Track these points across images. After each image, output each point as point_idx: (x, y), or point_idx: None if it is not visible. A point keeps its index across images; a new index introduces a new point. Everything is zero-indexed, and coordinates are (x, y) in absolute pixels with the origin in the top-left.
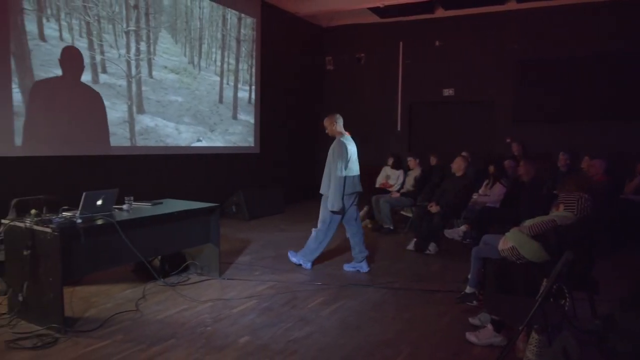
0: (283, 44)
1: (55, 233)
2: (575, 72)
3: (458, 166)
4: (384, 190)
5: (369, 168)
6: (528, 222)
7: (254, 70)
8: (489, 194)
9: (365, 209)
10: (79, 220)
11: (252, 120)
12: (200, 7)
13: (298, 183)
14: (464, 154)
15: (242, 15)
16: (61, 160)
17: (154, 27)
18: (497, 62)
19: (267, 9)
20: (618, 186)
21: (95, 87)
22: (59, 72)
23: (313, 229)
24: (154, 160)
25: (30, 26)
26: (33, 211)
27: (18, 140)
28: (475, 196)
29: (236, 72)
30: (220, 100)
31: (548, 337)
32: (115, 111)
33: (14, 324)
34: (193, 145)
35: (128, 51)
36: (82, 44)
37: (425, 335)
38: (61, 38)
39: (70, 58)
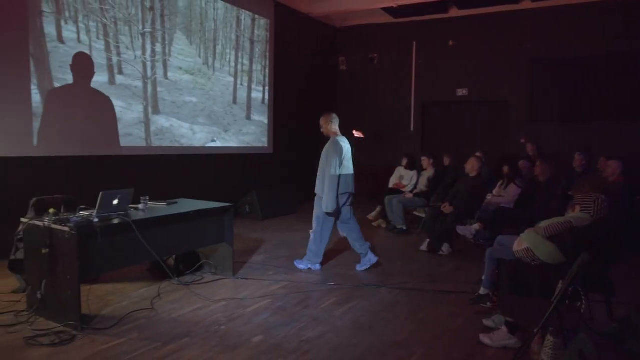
0: (296, 44)
1: (73, 232)
2: (590, 71)
3: (472, 166)
4: (397, 191)
5: (382, 168)
6: (543, 223)
7: (267, 70)
8: (503, 195)
9: (378, 209)
10: (96, 220)
11: (266, 121)
12: (214, 9)
13: (311, 183)
14: (477, 154)
15: (256, 16)
16: (79, 161)
17: (169, 28)
18: (512, 62)
19: (281, 10)
20: (635, 187)
21: (112, 88)
22: None
23: (311, 232)
24: (169, 161)
25: (49, 28)
26: (51, 210)
27: (37, 141)
28: (489, 197)
29: (250, 72)
30: (234, 101)
31: (564, 339)
32: (132, 112)
33: (32, 321)
34: (207, 145)
35: (144, 53)
36: (99, 46)
37: (438, 336)
38: (79, 40)
39: (81, 64)
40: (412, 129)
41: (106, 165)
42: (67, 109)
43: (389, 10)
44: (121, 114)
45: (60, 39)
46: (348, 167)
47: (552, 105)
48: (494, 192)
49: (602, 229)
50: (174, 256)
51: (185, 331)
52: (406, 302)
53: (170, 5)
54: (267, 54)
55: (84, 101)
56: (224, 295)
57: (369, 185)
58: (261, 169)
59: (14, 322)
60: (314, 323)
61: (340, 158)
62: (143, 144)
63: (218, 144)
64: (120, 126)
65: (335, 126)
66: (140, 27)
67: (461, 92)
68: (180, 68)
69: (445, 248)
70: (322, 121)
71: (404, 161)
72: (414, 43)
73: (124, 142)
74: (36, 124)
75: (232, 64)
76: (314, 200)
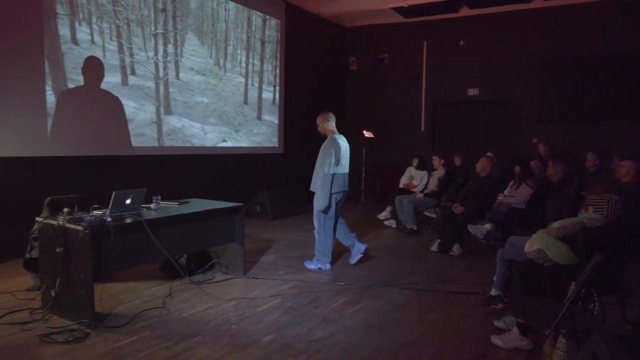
0: (307, 44)
1: (87, 231)
2: (603, 70)
3: (483, 167)
4: (407, 191)
5: (392, 168)
6: (556, 224)
7: (278, 71)
8: (515, 195)
9: (388, 209)
10: (109, 219)
11: (276, 121)
12: (226, 10)
13: None
14: (489, 154)
15: (267, 16)
16: (92, 160)
17: (181, 29)
18: (523, 61)
19: (291, 10)
20: None
21: (125, 89)
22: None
23: (315, 232)
24: (181, 161)
25: (63, 30)
26: (66, 210)
27: (50, 141)
28: (500, 197)
29: (261, 73)
30: (245, 101)
31: (576, 341)
32: (144, 112)
33: (47, 319)
34: (218, 145)
35: (156, 53)
36: (112, 47)
37: (449, 337)
38: (92, 41)
39: (92, 67)
40: (422, 129)
41: (119, 165)
42: (79, 110)
43: (399, 10)
44: (134, 114)
45: (74, 40)
46: (345, 165)
47: (564, 104)
48: (505, 192)
49: (615, 230)
50: (185, 255)
51: (197, 330)
52: (416, 303)
53: (182, 6)
54: (278, 54)
55: (95, 102)
56: (235, 295)
57: (379, 185)
58: (272, 169)
59: (29, 320)
60: (324, 323)
61: (337, 156)
62: (155, 144)
63: (229, 144)
64: (132, 126)
65: (332, 124)
66: (153, 28)
67: (472, 91)
68: (192, 69)
69: (456, 248)
70: (318, 120)
71: (415, 161)
72: (425, 43)
73: (137, 142)
74: (51, 125)
75: (243, 64)
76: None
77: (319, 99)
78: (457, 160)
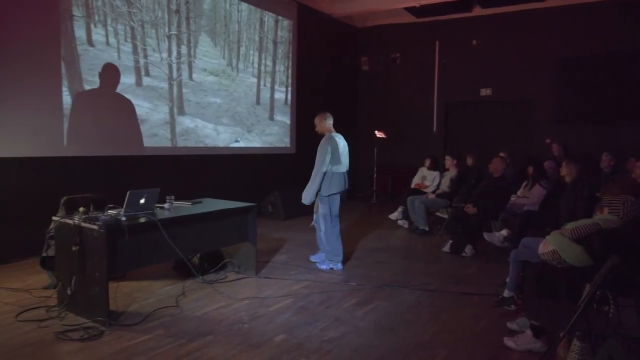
0: (319, 45)
1: (102, 230)
2: (618, 69)
3: (496, 167)
4: (419, 191)
5: (404, 169)
6: (570, 225)
7: (290, 71)
8: (528, 196)
9: (400, 209)
10: (124, 218)
11: (288, 121)
12: (238, 11)
13: None
14: (502, 154)
15: (279, 17)
16: (107, 161)
17: (194, 30)
18: (537, 61)
19: (303, 11)
20: None
21: (139, 90)
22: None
23: (321, 234)
24: (194, 161)
25: (79, 32)
26: (81, 209)
27: (66, 140)
28: (513, 198)
29: (273, 73)
30: (258, 102)
31: (591, 344)
32: (158, 113)
33: (62, 316)
34: (231, 145)
35: (170, 54)
36: (126, 49)
37: (461, 338)
38: (107, 43)
39: (109, 72)
40: (434, 130)
41: (133, 165)
42: (95, 111)
43: (411, 10)
44: (147, 114)
45: (89, 42)
46: (344, 163)
47: (578, 104)
48: (519, 193)
49: (631, 231)
50: (198, 255)
51: (209, 329)
52: (428, 304)
53: (196, 7)
54: (290, 55)
55: (110, 104)
56: (247, 294)
57: (390, 185)
58: (284, 169)
59: (46, 317)
60: (336, 323)
61: (335, 154)
62: (169, 144)
63: (241, 144)
64: (146, 127)
65: (329, 124)
66: (166, 30)
67: (485, 91)
68: (205, 69)
69: (468, 249)
70: (316, 120)
71: (427, 162)
72: (437, 43)
73: (151, 142)
74: (67, 125)
75: (256, 65)
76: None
77: (331, 99)
78: (470, 161)
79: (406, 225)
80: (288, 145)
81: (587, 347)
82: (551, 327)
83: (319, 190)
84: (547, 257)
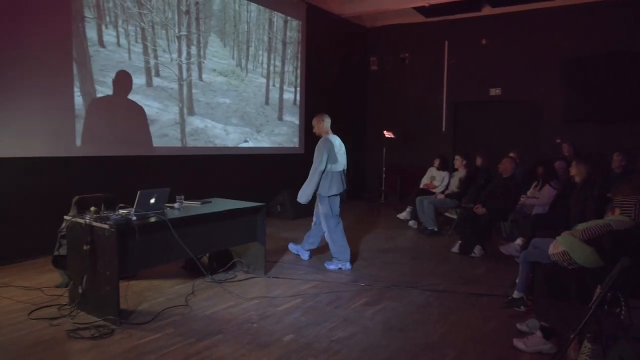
0: (327, 45)
1: (113, 229)
2: (629, 69)
3: (505, 167)
4: (427, 192)
5: (412, 169)
6: (581, 226)
7: (299, 71)
8: (537, 196)
9: (408, 209)
10: (134, 218)
11: (297, 122)
12: (248, 11)
13: None
14: (511, 154)
15: (288, 18)
16: (118, 161)
17: (204, 31)
18: (547, 60)
19: (312, 11)
20: None
21: (149, 90)
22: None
23: (325, 235)
24: (203, 161)
25: (91, 33)
26: (92, 208)
27: (79, 142)
28: (522, 198)
29: (282, 74)
30: (267, 102)
31: (602, 346)
32: (168, 113)
33: (74, 315)
34: (240, 145)
35: (180, 55)
36: (137, 49)
37: (470, 339)
38: (118, 44)
39: (121, 80)
40: (443, 130)
41: (144, 166)
42: (108, 115)
43: (420, 10)
44: (158, 115)
45: (101, 43)
46: (341, 162)
47: (589, 104)
48: (528, 193)
49: None
50: (207, 254)
51: (219, 328)
52: (437, 304)
53: (205, 8)
54: (299, 55)
55: (121, 108)
56: (256, 294)
57: (399, 185)
58: (292, 169)
59: (57, 315)
60: (345, 323)
61: (332, 154)
62: (178, 144)
63: (250, 144)
64: (156, 127)
65: (326, 125)
66: (176, 30)
67: (494, 91)
68: (214, 70)
69: (477, 250)
70: (314, 122)
71: (436, 162)
72: (446, 42)
73: (161, 142)
74: (78, 126)
75: (265, 65)
76: (344, 200)
77: (340, 100)
78: (479, 161)
79: (415, 226)
80: (297, 146)
81: (598, 349)
82: (561, 328)
83: (316, 191)
84: (558, 258)
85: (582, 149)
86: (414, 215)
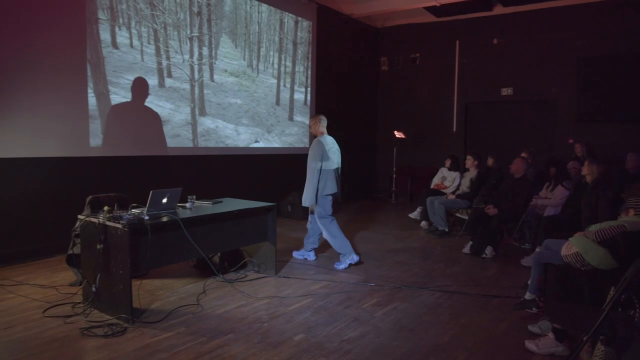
0: (338, 45)
1: (125, 229)
2: None
3: (517, 168)
4: (438, 192)
5: (423, 169)
6: (594, 227)
7: (309, 72)
8: (550, 197)
9: (418, 209)
10: (147, 217)
11: (308, 122)
12: (259, 12)
13: (353, 183)
14: (523, 155)
15: (299, 18)
16: (130, 161)
17: (216, 32)
18: (559, 60)
19: (323, 12)
20: None
21: (161, 91)
22: (129, 77)
23: (322, 234)
24: (215, 161)
25: (104, 35)
26: (106, 208)
27: (93, 142)
28: (535, 199)
29: (292, 74)
30: (277, 102)
31: (616, 349)
32: (180, 113)
33: (87, 313)
34: (251, 146)
35: (191, 56)
36: (150, 51)
37: (481, 341)
38: (131, 45)
39: (139, 86)
40: (454, 130)
41: (156, 166)
42: (125, 119)
43: (431, 10)
44: (170, 115)
45: (114, 44)
46: (333, 159)
47: (601, 104)
48: (540, 194)
49: None
50: (219, 254)
51: (230, 327)
52: (448, 305)
53: (217, 9)
54: (310, 56)
55: (138, 113)
56: (267, 293)
57: (409, 185)
58: (303, 169)
59: (71, 314)
60: (355, 323)
61: (325, 153)
62: (190, 144)
63: (261, 144)
64: (168, 127)
65: (323, 127)
66: (188, 32)
67: (506, 91)
68: (226, 70)
69: (489, 251)
70: (311, 122)
71: (448, 162)
72: (457, 42)
73: (173, 143)
74: (92, 126)
75: (275, 65)
76: (354, 200)
77: (350, 100)
78: (490, 161)
79: (426, 227)
80: (307, 146)
81: (611, 352)
82: (574, 330)
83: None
84: (570, 260)
85: (595, 149)
86: (425, 216)
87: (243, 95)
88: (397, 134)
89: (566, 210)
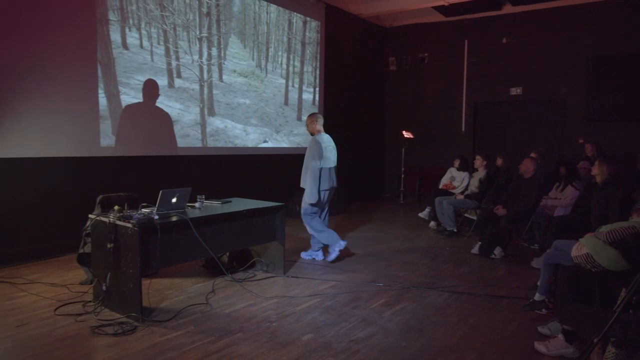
0: (346, 45)
1: (135, 228)
2: None
3: (526, 168)
4: (446, 192)
5: (431, 169)
6: (604, 228)
7: (318, 72)
8: (560, 197)
9: (427, 210)
10: (156, 217)
11: None
12: (267, 12)
13: (361, 183)
14: (533, 155)
15: (307, 18)
16: (140, 161)
17: (225, 33)
18: (569, 59)
19: (331, 12)
20: None
21: (171, 91)
22: (139, 77)
23: (307, 229)
24: (224, 161)
25: (115, 36)
26: (116, 207)
27: (103, 142)
28: (544, 199)
29: (301, 74)
30: (286, 102)
31: (627, 351)
32: (189, 114)
33: (98, 311)
34: (260, 146)
35: (201, 56)
36: (159, 51)
37: (490, 342)
38: (141, 46)
39: (150, 88)
40: (463, 130)
41: (166, 166)
42: (137, 121)
43: (440, 9)
44: (179, 115)
45: (124, 45)
46: (329, 158)
47: (612, 103)
48: (550, 194)
49: None
50: (227, 253)
51: (238, 326)
52: (457, 306)
53: (226, 10)
54: (318, 56)
55: (149, 114)
56: (275, 293)
57: (417, 185)
58: None
59: (82, 312)
60: (363, 323)
61: (321, 155)
62: (199, 144)
63: (270, 144)
64: (178, 127)
65: (319, 125)
66: (198, 32)
67: (515, 91)
68: (235, 71)
69: (498, 252)
70: (308, 121)
71: (457, 162)
72: (466, 42)
73: (182, 143)
74: (103, 126)
75: (284, 66)
76: (362, 200)
77: (358, 100)
78: (499, 161)
79: (434, 227)
80: None
81: (622, 354)
82: (584, 332)
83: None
84: (581, 261)
85: (606, 149)
86: (433, 216)
87: (252, 95)
88: (406, 134)
89: (576, 211)
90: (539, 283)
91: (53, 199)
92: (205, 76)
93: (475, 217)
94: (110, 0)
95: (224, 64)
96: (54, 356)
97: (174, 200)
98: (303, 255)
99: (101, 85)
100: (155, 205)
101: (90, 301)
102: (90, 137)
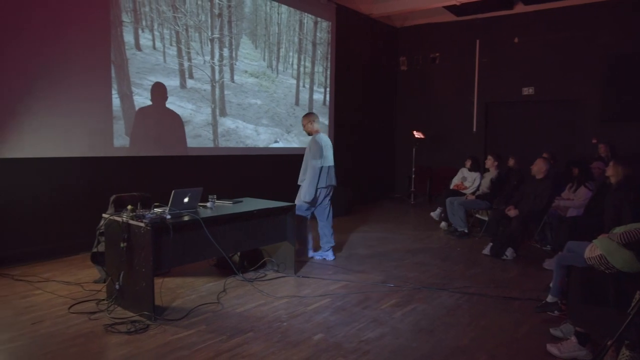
0: (357, 45)
1: (148, 228)
2: None
3: (539, 168)
4: (458, 192)
5: (442, 169)
6: (619, 230)
7: (329, 72)
8: (572, 198)
9: (438, 210)
10: (169, 216)
11: (327, 122)
12: (278, 13)
13: (372, 184)
14: (545, 155)
15: (318, 19)
16: (153, 161)
17: (236, 33)
18: (583, 58)
19: (342, 12)
20: None
21: (183, 92)
22: (152, 78)
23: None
24: (235, 161)
25: (128, 37)
26: (129, 207)
27: (117, 142)
28: (557, 200)
29: (312, 74)
30: (297, 103)
31: None
32: (201, 114)
33: (111, 310)
34: (271, 146)
35: (212, 57)
36: (172, 52)
37: (502, 343)
38: (154, 47)
39: (159, 90)
40: (474, 130)
41: (178, 166)
42: (149, 123)
43: (451, 9)
44: (191, 116)
45: (137, 46)
46: (327, 157)
47: (626, 103)
48: (563, 195)
49: None
50: (239, 253)
51: (249, 326)
52: (468, 307)
53: (237, 11)
54: (329, 56)
55: (161, 115)
56: (286, 293)
57: (428, 186)
58: None
59: (95, 310)
60: (374, 324)
61: (320, 154)
62: (211, 144)
63: (281, 144)
64: (190, 128)
65: (316, 125)
66: (209, 33)
67: (527, 91)
68: (246, 71)
69: (509, 253)
70: (304, 121)
71: (468, 162)
72: (477, 41)
73: (194, 143)
74: (116, 127)
75: (295, 66)
76: (374, 201)
77: (369, 100)
78: (511, 162)
79: (445, 227)
80: None
81: (636, 357)
82: (597, 334)
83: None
84: (594, 262)
85: (620, 149)
86: (444, 217)
87: (263, 95)
88: (416, 134)
89: (589, 212)
90: (551, 284)
91: (67, 199)
92: (217, 77)
93: (486, 218)
94: (123, 2)
95: (235, 64)
96: (68, 353)
97: (186, 200)
98: (314, 255)
99: (114, 85)
100: (167, 205)
101: (103, 299)
102: (104, 137)
